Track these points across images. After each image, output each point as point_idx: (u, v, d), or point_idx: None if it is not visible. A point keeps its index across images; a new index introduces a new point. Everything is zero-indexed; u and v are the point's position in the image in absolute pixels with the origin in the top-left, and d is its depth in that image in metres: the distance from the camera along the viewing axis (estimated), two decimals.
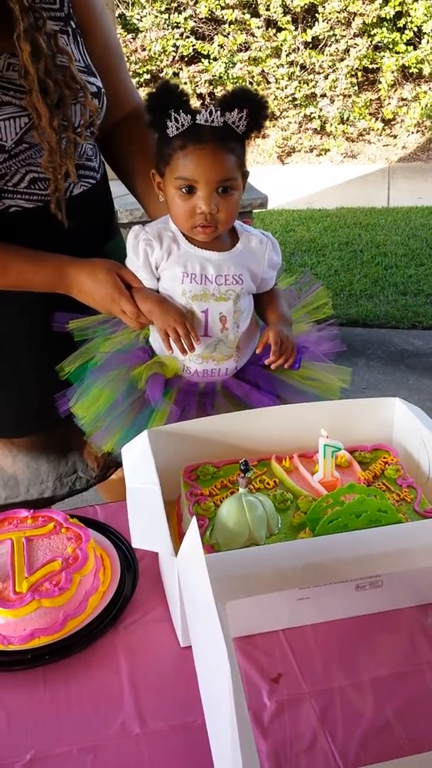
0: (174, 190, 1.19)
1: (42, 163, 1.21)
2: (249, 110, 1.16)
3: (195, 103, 1.18)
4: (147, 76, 7.28)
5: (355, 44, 7.12)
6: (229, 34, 7.16)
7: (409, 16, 6.98)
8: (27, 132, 1.20)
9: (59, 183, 1.24)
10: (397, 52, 7.16)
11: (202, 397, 1.29)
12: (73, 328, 1.29)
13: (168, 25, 7.23)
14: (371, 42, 7.13)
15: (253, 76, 7.24)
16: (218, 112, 1.15)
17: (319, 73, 7.27)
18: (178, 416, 1.24)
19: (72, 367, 1.30)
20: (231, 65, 7.20)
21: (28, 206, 1.26)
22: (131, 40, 7.18)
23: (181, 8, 7.21)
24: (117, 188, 1.48)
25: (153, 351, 1.32)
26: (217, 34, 7.23)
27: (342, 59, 7.18)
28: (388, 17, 6.97)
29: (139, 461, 1.06)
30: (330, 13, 6.99)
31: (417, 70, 7.25)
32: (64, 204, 1.26)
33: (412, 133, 7.51)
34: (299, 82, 7.26)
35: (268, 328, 1.26)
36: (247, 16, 7.11)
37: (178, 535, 1.08)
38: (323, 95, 7.32)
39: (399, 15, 7.01)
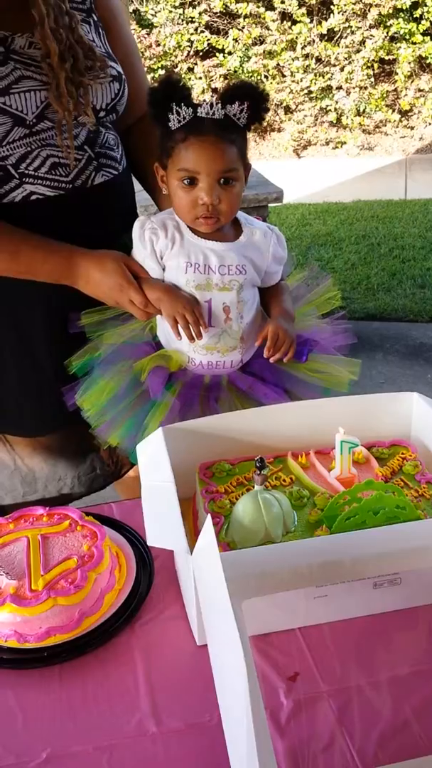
0: (176, 182, 1.20)
1: (50, 98, 1.21)
2: (250, 103, 1.17)
3: (211, 98, 1.18)
4: (162, 72, 7.25)
5: (371, 35, 7.04)
6: (243, 27, 7.12)
7: (426, 6, 6.88)
8: (48, 107, 1.21)
9: (68, 120, 1.23)
10: (414, 43, 7.07)
11: (207, 391, 1.30)
12: (85, 323, 1.30)
13: (182, 20, 7.20)
14: (387, 33, 7.05)
15: (268, 70, 7.20)
16: (219, 105, 1.16)
17: (334, 66, 7.21)
18: (179, 410, 1.24)
19: (80, 361, 1.30)
20: (246, 59, 7.16)
21: (50, 194, 1.27)
22: (145, 36, 7.16)
23: (196, 3, 7.17)
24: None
25: (158, 345, 1.32)
26: (231, 28, 7.19)
27: (358, 51, 7.11)
28: (404, 8, 6.89)
29: (154, 459, 1.05)
30: (345, 5, 6.92)
31: None
32: (73, 144, 1.25)
33: (430, 124, 7.42)
34: (315, 75, 7.20)
35: (268, 322, 1.27)
36: (262, 9, 7.06)
37: (194, 533, 1.07)
38: (339, 87, 7.25)
39: (415, 5, 6.92)
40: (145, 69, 6.90)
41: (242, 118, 1.18)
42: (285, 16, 7.10)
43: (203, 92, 7.05)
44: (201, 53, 7.34)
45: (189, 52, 7.32)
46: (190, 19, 7.19)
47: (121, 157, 1.39)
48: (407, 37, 7.07)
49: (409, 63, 7.12)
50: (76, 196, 1.29)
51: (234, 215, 1.26)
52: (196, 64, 7.33)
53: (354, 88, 7.22)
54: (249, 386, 1.29)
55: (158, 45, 7.18)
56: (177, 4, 7.16)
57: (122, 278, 1.25)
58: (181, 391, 1.28)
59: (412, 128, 7.45)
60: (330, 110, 7.29)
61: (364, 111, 7.27)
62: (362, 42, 7.09)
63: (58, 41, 1.21)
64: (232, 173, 1.19)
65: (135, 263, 1.27)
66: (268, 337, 1.24)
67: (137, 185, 1.49)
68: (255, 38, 7.12)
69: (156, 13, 7.16)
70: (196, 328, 1.22)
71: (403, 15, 6.99)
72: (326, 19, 7.07)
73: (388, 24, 7.01)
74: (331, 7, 7.02)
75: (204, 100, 1.16)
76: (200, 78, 7.20)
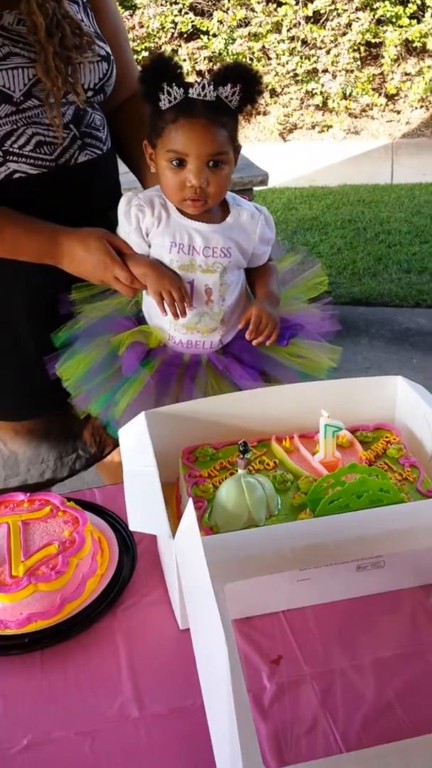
0: (165, 163, 1.19)
1: (38, 72, 1.19)
2: (242, 85, 1.16)
3: (203, 79, 1.16)
4: (145, 54, 7.17)
5: (357, 18, 6.99)
6: (228, 9, 7.05)
7: None
8: (35, 85, 1.20)
9: (56, 93, 1.21)
10: (401, 26, 7.02)
11: (185, 369, 1.29)
12: (76, 298, 1.30)
13: (166, 1, 7.11)
14: (374, 16, 7.00)
15: (253, 52, 7.13)
16: (211, 87, 1.14)
17: (320, 48, 7.15)
18: (154, 387, 1.24)
19: (65, 332, 1.30)
20: (231, 41, 7.09)
21: (33, 172, 1.25)
22: (129, 17, 7.07)
23: None
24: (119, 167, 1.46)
25: (140, 320, 1.31)
26: (216, 9, 7.11)
27: (344, 34, 7.06)
28: None
29: (137, 443, 1.04)
30: None
31: (421, 44, 7.11)
32: (60, 115, 1.24)
33: (416, 108, 7.40)
34: (300, 58, 7.14)
35: (251, 304, 1.26)
36: None
37: (177, 518, 1.06)
38: (325, 71, 7.20)
39: None
40: None
41: (234, 101, 1.16)
42: None
43: (188, 74, 6.97)
44: (185, 35, 7.26)
45: (173, 33, 7.23)
46: (173, 0, 7.10)
47: (106, 138, 1.38)
48: (394, 20, 7.02)
49: (396, 46, 7.07)
50: (58, 174, 1.28)
51: (222, 197, 1.24)
52: (180, 46, 7.25)
53: (340, 71, 7.18)
54: (225, 366, 1.29)
55: (141, 26, 7.10)
56: None
57: (106, 255, 1.24)
58: (158, 368, 1.28)
59: (398, 112, 7.43)
60: (316, 93, 7.24)
61: (350, 94, 7.23)
62: (348, 25, 7.04)
63: (44, 15, 1.19)
64: (222, 156, 1.18)
65: (119, 240, 1.26)
66: (251, 320, 1.23)
67: (123, 167, 1.47)
68: (240, 20, 7.05)
69: None
70: (182, 305, 1.22)
71: None
72: (312, 1, 7.00)
73: (375, 7, 6.96)
74: None
75: (196, 81, 1.14)
76: (184, 60, 7.12)
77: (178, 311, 1.22)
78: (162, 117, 1.17)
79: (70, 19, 1.23)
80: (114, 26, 1.39)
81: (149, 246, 1.26)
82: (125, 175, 1.49)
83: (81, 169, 1.31)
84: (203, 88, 1.14)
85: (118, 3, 6.83)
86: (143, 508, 0.94)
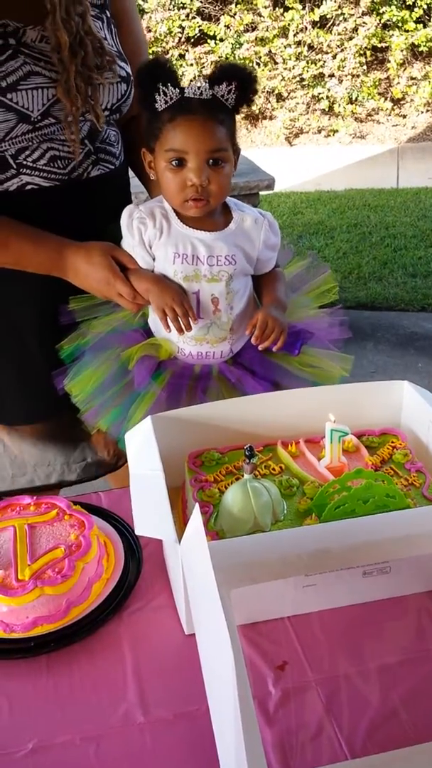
0: (164, 164, 1.18)
1: (58, 93, 1.19)
2: (238, 84, 1.16)
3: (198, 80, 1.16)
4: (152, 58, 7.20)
5: (364, 23, 7.01)
6: (235, 14, 7.07)
7: None
8: (54, 105, 1.20)
9: (75, 113, 1.22)
10: (407, 31, 7.04)
11: (196, 381, 1.28)
12: (75, 308, 1.29)
13: (174, 6, 7.13)
14: (380, 20, 7.02)
15: (260, 57, 7.15)
16: (206, 85, 1.15)
17: (327, 53, 7.17)
18: (165, 400, 1.23)
19: (70, 346, 1.30)
20: (238, 46, 7.11)
21: (45, 185, 1.26)
22: None
23: None
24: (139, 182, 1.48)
25: (148, 332, 1.31)
26: (223, 14, 7.14)
27: (350, 38, 7.08)
28: None
29: (143, 447, 1.04)
30: None
31: (427, 49, 7.13)
32: (78, 135, 1.24)
33: (422, 112, 7.40)
34: (307, 62, 7.16)
35: (258, 311, 1.25)
36: None
37: (182, 522, 1.07)
38: (331, 75, 7.22)
39: None
40: None
41: (230, 99, 1.17)
42: (277, 2, 7.06)
43: (194, 79, 6.99)
44: (192, 39, 7.28)
45: (180, 38, 7.26)
46: (181, 4, 7.13)
47: (120, 153, 1.38)
48: (400, 24, 7.04)
49: (402, 51, 7.09)
50: (70, 188, 1.28)
51: (224, 198, 1.23)
52: (187, 50, 7.27)
53: (346, 75, 7.19)
54: (237, 378, 1.28)
55: (149, 31, 7.12)
56: None
57: (109, 271, 1.23)
58: (169, 381, 1.27)
59: (404, 116, 7.43)
60: (322, 98, 7.25)
61: (356, 99, 7.24)
62: (355, 29, 7.06)
63: (69, 32, 1.19)
64: (222, 153, 1.17)
65: (124, 254, 1.26)
66: (257, 326, 1.22)
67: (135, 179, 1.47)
68: (247, 25, 7.07)
69: None
70: (185, 320, 1.21)
71: (395, 2, 6.96)
72: (318, 6, 7.03)
73: (381, 11, 6.97)
74: None
75: (191, 81, 1.15)
76: (191, 65, 7.15)
77: (183, 326, 1.21)
78: (159, 118, 1.17)
79: (92, 36, 1.23)
80: (135, 45, 1.39)
81: (153, 258, 1.26)
82: (133, 179, 1.49)
83: (93, 183, 1.31)
84: (199, 87, 1.14)
85: None
86: (150, 512, 0.94)
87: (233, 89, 1.16)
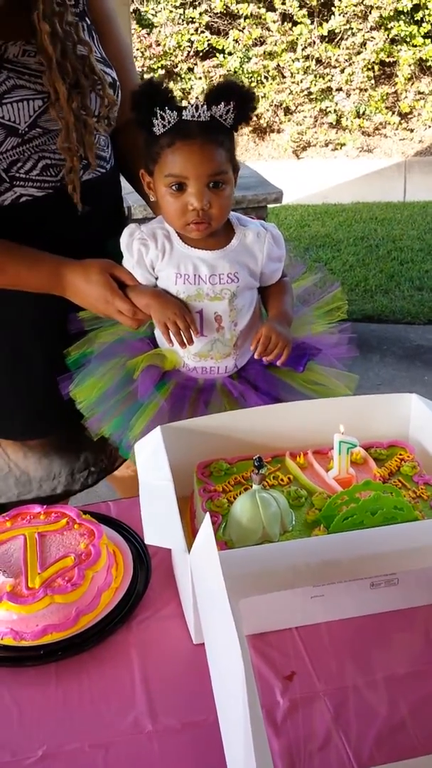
0: (164, 188, 1.18)
1: (58, 143, 1.21)
2: (236, 103, 1.15)
3: (196, 100, 1.16)
4: (161, 72, 7.26)
5: (372, 38, 7.06)
6: (244, 28, 7.12)
7: (427, 8, 6.90)
8: (41, 116, 1.20)
9: (75, 165, 1.23)
10: (414, 45, 7.09)
11: (199, 393, 1.28)
12: (84, 318, 1.30)
13: (183, 20, 7.20)
14: (388, 35, 7.07)
15: (268, 71, 7.20)
16: (204, 107, 1.14)
17: (335, 67, 7.22)
18: (167, 411, 1.23)
19: (77, 353, 1.30)
20: (246, 60, 7.16)
21: (39, 195, 1.26)
22: (146, 36, 7.16)
23: (196, 3, 7.18)
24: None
25: (155, 343, 1.31)
26: (232, 28, 7.20)
27: (358, 53, 7.13)
28: (405, 10, 6.91)
29: (153, 457, 1.05)
30: (346, 7, 6.93)
31: None
32: (78, 186, 1.25)
33: (429, 126, 7.44)
34: (315, 76, 7.21)
35: (262, 325, 1.24)
36: (263, 10, 7.07)
37: (191, 532, 1.07)
38: (339, 89, 7.27)
39: (416, 8, 6.94)
40: (145, 69, 6.84)
41: (229, 119, 1.16)
42: (286, 17, 7.11)
43: (203, 92, 7.04)
44: (201, 53, 7.34)
45: (189, 52, 7.32)
46: (190, 19, 7.20)
47: (110, 157, 1.38)
48: (408, 39, 7.09)
49: (410, 65, 7.14)
50: (63, 194, 1.28)
51: (225, 219, 1.23)
52: (196, 64, 7.33)
53: (354, 89, 7.24)
54: (240, 393, 1.28)
55: (158, 45, 7.18)
56: (177, 4, 7.17)
57: (107, 289, 1.23)
58: (172, 391, 1.27)
59: (411, 131, 7.47)
60: (330, 112, 7.30)
61: (363, 113, 7.28)
62: (363, 44, 7.11)
63: (54, 46, 1.18)
64: (222, 176, 1.17)
65: (123, 271, 1.25)
66: (260, 341, 1.21)
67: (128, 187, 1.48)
68: (255, 39, 7.13)
69: (156, 13, 7.17)
70: (187, 334, 1.20)
71: (404, 17, 7.01)
72: (327, 21, 7.08)
73: (389, 26, 7.03)
74: (332, 8, 7.04)
75: (189, 103, 1.14)
76: (200, 78, 7.20)
77: (185, 340, 1.21)
78: (157, 142, 1.16)
79: (82, 60, 1.22)
80: (119, 49, 1.38)
81: (156, 278, 1.26)
82: (132, 194, 1.49)
83: (85, 187, 1.30)
84: (197, 108, 1.14)
85: (135, 21, 6.96)
86: (159, 521, 0.95)
87: (231, 109, 1.15)
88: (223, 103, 1.14)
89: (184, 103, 1.18)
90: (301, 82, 7.22)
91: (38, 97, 1.20)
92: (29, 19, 1.18)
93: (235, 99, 1.15)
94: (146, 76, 6.98)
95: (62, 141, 1.21)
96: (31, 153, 1.22)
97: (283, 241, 1.31)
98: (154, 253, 1.23)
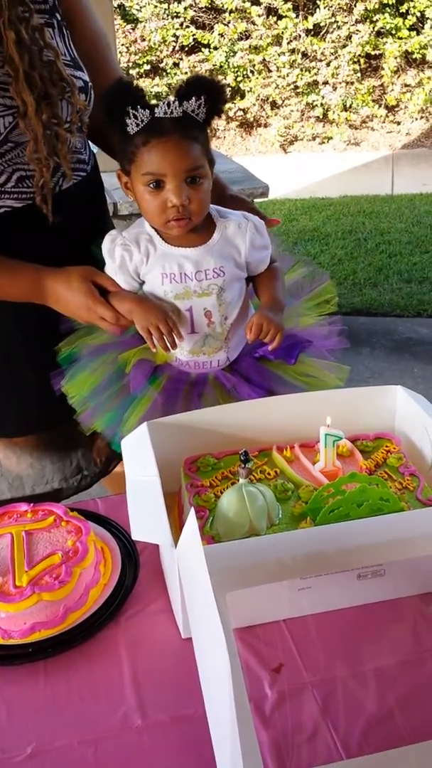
0: (142, 187, 1.18)
1: (27, 154, 1.19)
2: (206, 97, 1.16)
3: (167, 97, 1.15)
4: (147, 67, 7.24)
5: (357, 30, 7.05)
6: (229, 22, 7.10)
7: (412, 1, 6.91)
8: (12, 131, 1.18)
9: (46, 176, 1.22)
10: (400, 38, 7.09)
11: (192, 386, 1.29)
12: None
13: (167, 15, 7.17)
14: (374, 28, 7.06)
15: (254, 65, 7.19)
16: (176, 103, 1.14)
17: (321, 61, 7.21)
18: (161, 404, 1.24)
19: (68, 349, 1.30)
20: (232, 54, 7.15)
21: (18, 206, 1.24)
22: (130, 31, 7.13)
23: None
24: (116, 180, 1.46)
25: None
26: (217, 23, 7.17)
27: (344, 46, 7.12)
28: (390, 3, 6.90)
29: (139, 453, 1.05)
30: (331, 0, 6.93)
31: (420, 56, 7.17)
32: (50, 198, 1.24)
33: (416, 119, 7.45)
34: (301, 70, 7.20)
35: (254, 313, 1.25)
36: (248, 4, 7.05)
37: (179, 527, 1.07)
38: (325, 83, 7.26)
39: (401, 0, 6.94)
40: (131, 64, 6.75)
41: (201, 114, 1.16)
42: (271, 11, 7.09)
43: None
44: (186, 48, 7.32)
45: (174, 47, 7.29)
46: (175, 14, 7.16)
47: (89, 158, 1.36)
48: (393, 32, 7.09)
49: (396, 58, 7.14)
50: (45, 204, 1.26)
51: (205, 213, 1.23)
52: (181, 59, 7.31)
53: (340, 83, 7.23)
54: (233, 385, 1.28)
55: (143, 40, 7.15)
56: None
57: (88, 296, 1.22)
58: (165, 385, 1.27)
59: (398, 123, 7.47)
60: (316, 105, 7.29)
61: (350, 106, 7.28)
62: (348, 37, 7.10)
63: (21, 55, 1.14)
64: (199, 171, 1.17)
65: (105, 278, 1.25)
66: (253, 330, 1.21)
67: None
68: (241, 33, 7.11)
69: (141, 8, 7.13)
70: (170, 338, 1.20)
71: (389, 10, 7.00)
72: (312, 14, 7.07)
73: (375, 19, 7.02)
74: (317, 2, 7.02)
75: (161, 101, 1.14)
76: (186, 73, 7.16)
77: (168, 345, 1.20)
78: (132, 142, 1.16)
79: (49, 67, 1.19)
80: (93, 37, 1.34)
81: (141, 283, 1.26)
82: (117, 190, 1.47)
83: (64, 195, 1.29)
84: (168, 105, 1.14)
85: (120, 16, 6.91)
86: (146, 517, 0.95)
87: (203, 103, 1.15)
88: (194, 98, 1.15)
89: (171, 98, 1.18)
90: (288, 75, 7.21)
91: (8, 113, 1.17)
92: None
93: (206, 93, 1.16)
94: (132, 72, 6.96)
95: (31, 152, 1.19)
96: (5, 166, 1.20)
97: (266, 229, 1.30)
98: (138, 257, 1.23)
